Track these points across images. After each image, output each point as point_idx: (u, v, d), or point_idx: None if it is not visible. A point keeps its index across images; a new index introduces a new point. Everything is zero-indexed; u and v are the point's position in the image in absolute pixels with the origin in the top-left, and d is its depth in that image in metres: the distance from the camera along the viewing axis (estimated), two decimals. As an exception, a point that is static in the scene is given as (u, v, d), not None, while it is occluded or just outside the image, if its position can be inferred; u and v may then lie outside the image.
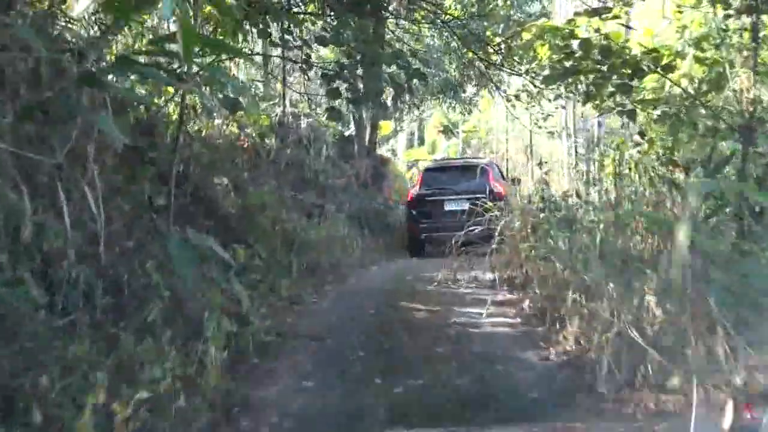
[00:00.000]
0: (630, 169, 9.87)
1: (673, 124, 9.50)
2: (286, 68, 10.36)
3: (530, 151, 19.68)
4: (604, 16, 7.80)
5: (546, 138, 37.78)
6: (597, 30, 7.94)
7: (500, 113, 39.57)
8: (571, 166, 23.17)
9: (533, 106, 12.56)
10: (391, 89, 7.44)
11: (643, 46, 8.15)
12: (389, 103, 10.15)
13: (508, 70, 9.62)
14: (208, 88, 6.64)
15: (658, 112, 9.34)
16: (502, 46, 9.13)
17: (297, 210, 11.81)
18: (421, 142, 44.38)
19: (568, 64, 8.22)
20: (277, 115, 12.90)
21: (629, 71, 8.06)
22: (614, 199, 8.41)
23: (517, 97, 11.85)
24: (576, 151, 22.74)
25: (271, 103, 13.73)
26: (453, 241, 9.24)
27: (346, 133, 18.10)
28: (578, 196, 8.52)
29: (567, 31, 8.03)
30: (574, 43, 8.06)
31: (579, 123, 19.72)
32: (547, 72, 10.07)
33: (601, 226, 7.38)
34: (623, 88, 8.18)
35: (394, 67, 7.16)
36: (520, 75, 9.84)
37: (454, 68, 15.07)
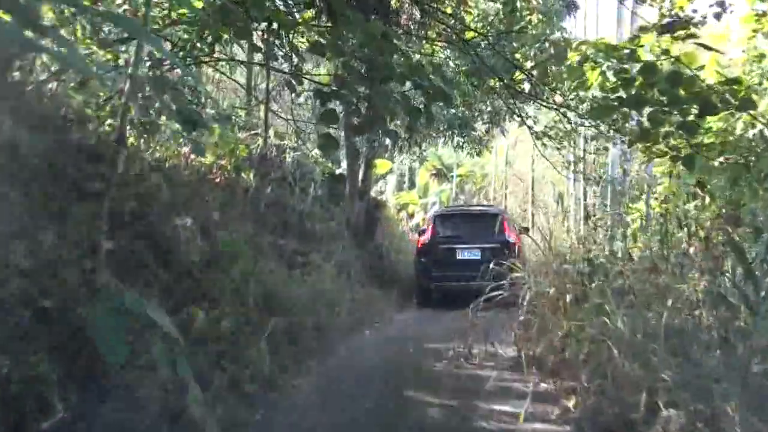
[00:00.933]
0: (682, 225, 8.40)
1: (735, 174, 8.06)
2: (270, 86, 8.69)
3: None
4: (678, 33, 6.28)
5: (549, 185, 36.55)
6: (665, 51, 6.44)
7: (500, 155, 38.45)
8: (583, 215, 21.74)
9: (564, 146, 10.95)
10: (400, 114, 5.88)
11: (722, 75, 6.70)
12: (401, 131, 8.55)
13: (540, 102, 8.12)
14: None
15: (720, 159, 7.91)
16: (534, 72, 7.61)
17: (277, 259, 10.23)
18: (411, 185, 42.98)
19: (624, 92, 6.76)
20: (258, 146, 11.34)
21: (697, 106, 6.52)
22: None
23: (546, 134, 10.28)
24: (584, 199, 21.29)
25: (252, 132, 12.17)
26: (470, 309, 7.71)
27: (337, 171, 16.56)
28: (631, 258, 6.98)
29: (626, 51, 6.56)
30: (634, 68, 6.64)
31: (600, 169, 18.21)
32: (588, 103, 8.63)
33: (669, 301, 5.87)
34: (689, 126, 6.64)
35: (407, 86, 5.65)
36: (551, 108, 8.33)
37: (461, 101, 13.53)
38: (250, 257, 9.08)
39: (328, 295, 10.37)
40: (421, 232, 15.49)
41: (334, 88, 5.66)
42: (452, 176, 41.31)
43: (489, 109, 14.53)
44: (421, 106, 5.62)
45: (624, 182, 12.81)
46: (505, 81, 7.84)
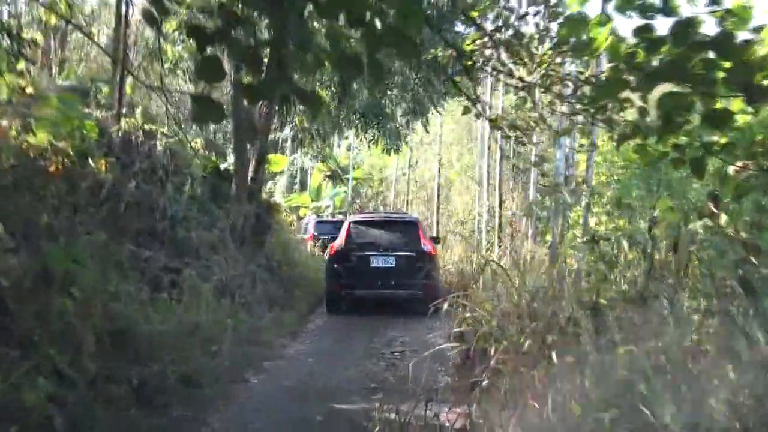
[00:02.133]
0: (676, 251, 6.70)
1: (757, 183, 6.34)
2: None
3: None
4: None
5: (458, 190, 35.00)
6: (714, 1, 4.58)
7: (402, 159, 36.68)
8: (494, 229, 20.16)
9: (524, 142, 8.82)
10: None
11: (787, 42, 4.88)
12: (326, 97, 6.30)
13: (504, 79, 6.07)
14: None
15: (738, 163, 6.17)
16: (500, 34, 5.61)
17: (138, 278, 7.92)
18: (303, 186, 41.11)
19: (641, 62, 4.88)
20: (119, 129, 8.94)
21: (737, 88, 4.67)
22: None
23: (505, 119, 8.16)
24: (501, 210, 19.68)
25: (115, 113, 9.76)
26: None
27: (222, 166, 14.25)
28: (643, 299, 5.11)
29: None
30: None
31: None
32: (571, 82, 6.65)
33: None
34: (719, 117, 4.75)
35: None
36: (517, 87, 6.31)
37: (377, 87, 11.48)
38: (98, 277, 6.78)
39: (204, 327, 8.12)
40: (335, 239, 15.06)
41: (222, 25, 3.47)
42: (348, 179, 39.45)
43: (409, 97, 12.71)
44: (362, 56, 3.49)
45: (577, 191, 11.14)
46: (458, 50, 5.79)
